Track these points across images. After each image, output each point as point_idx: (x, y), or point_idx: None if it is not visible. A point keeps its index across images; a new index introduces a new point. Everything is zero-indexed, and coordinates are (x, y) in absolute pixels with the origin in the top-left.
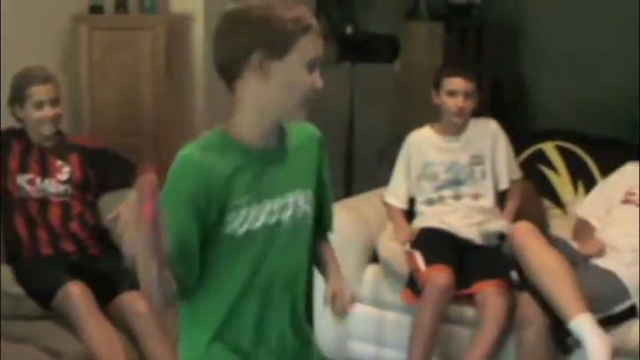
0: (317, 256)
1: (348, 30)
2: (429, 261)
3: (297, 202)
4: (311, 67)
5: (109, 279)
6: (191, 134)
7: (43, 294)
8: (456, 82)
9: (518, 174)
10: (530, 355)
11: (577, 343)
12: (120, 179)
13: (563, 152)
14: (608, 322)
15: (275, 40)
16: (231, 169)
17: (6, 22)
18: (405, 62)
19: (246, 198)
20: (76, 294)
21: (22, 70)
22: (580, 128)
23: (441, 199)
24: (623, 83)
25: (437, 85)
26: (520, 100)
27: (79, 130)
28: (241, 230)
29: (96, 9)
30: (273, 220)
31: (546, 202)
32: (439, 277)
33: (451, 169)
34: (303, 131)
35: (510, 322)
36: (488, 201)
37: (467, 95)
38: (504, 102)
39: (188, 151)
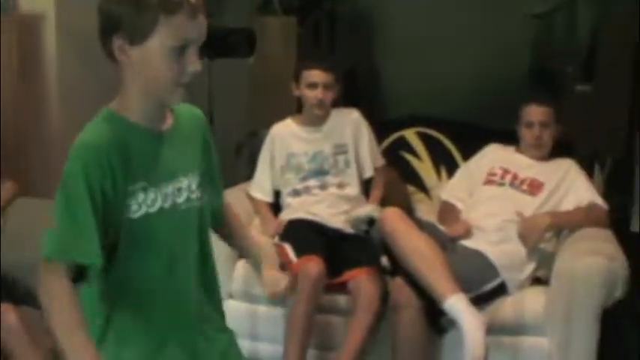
0: (227, 233)
1: None
2: (299, 252)
3: (190, 186)
4: (180, 51)
5: None
6: (47, 137)
7: None
8: (315, 75)
9: (381, 161)
10: (406, 338)
11: (451, 323)
12: None
13: (425, 138)
14: (479, 301)
15: (133, 25)
16: (129, 151)
17: None
18: (260, 56)
19: (144, 182)
20: None
21: None
22: (437, 115)
23: (307, 190)
24: (474, 70)
25: (297, 78)
26: (374, 89)
27: None
28: (139, 214)
29: None
30: (168, 204)
31: (410, 188)
32: (310, 267)
33: (315, 159)
34: (188, 113)
35: (384, 308)
36: (354, 189)
37: (326, 87)
38: (359, 92)
39: (88, 133)
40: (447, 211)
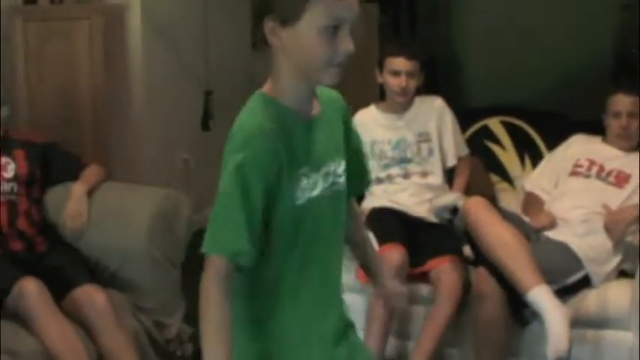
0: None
1: None
2: (381, 240)
3: (336, 170)
4: (331, 32)
5: (60, 274)
6: (131, 123)
7: None
8: (399, 62)
9: (465, 150)
10: (488, 329)
11: (534, 315)
12: (65, 173)
13: (509, 127)
14: (563, 293)
15: (283, 6)
16: (291, 136)
17: None
18: None
19: (307, 166)
20: (30, 291)
21: None
22: (521, 104)
23: (390, 178)
24: (559, 58)
25: (380, 65)
26: (456, 78)
27: (18, 123)
28: (303, 200)
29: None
30: (327, 185)
31: (494, 178)
32: (393, 255)
33: (398, 147)
34: (328, 96)
35: (466, 297)
36: (437, 178)
37: (409, 74)
38: (440, 81)
39: (254, 118)
40: (531, 202)
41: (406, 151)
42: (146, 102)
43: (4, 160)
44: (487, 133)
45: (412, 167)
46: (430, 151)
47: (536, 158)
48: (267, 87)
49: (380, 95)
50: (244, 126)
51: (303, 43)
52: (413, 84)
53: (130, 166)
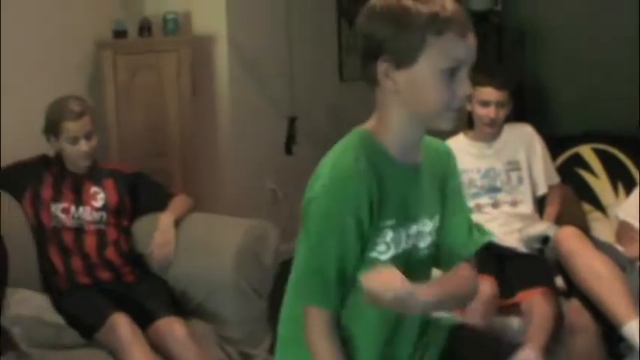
0: None
1: None
2: None
3: (432, 230)
4: (450, 73)
5: (145, 305)
6: (217, 154)
7: (86, 325)
8: (488, 93)
9: (556, 179)
10: None
11: (630, 350)
12: (153, 203)
13: (601, 154)
14: None
15: (399, 47)
16: (385, 183)
17: (30, 49)
18: None
19: (394, 219)
20: (122, 326)
21: (57, 102)
22: (613, 131)
23: (479, 208)
24: None
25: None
26: (544, 105)
27: (107, 154)
28: (387, 255)
29: (119, 33)
30: (409, 245)
31: (586, 206)
32: (483, 287)
33: (487, 176)
34: (434, 147)
35: (558, 331)
36: (527, 207)
37: (499, 105)
38: (528, 108)
39: (348, 158)
40: (625, 231)
41: (495, 179)
42: (233, 133)
43: (93, 189)
44: (578, 161)
45: (502, 196)
46: (520, 180)
47: (629, 186)
48: (370, 124)
49: (468, 122)
50: (337, 164)
51: (420, 86)
52: (502, 114)
53: (218, 196)
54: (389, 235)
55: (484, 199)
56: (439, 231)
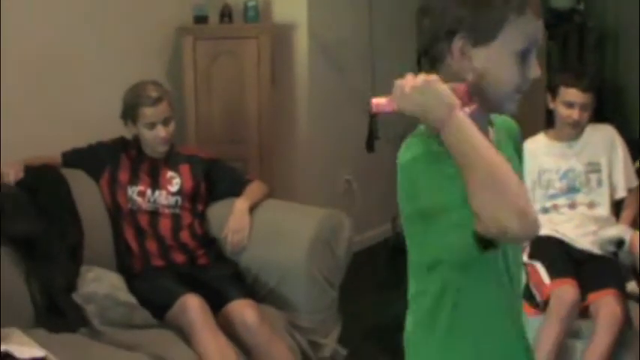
0: None
1: None
2: (552, 274)
3: None
4: (524, 54)
5: (218, 288)
6: (295, 142)
7: (157, 305)
8: (573, 94)
9: (635, 182)
10: None
11: None
12: (229, 189)
13: None
14: None
15: (479, 24)
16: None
17: (113, 35)
18: None
19: None
20: (192, 307)
21: (134, 88)
22: None
23: (555, 208)
24: None
25: (553, 91)
26: (625, 106)
27: (185, 139)
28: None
29: (200, 19)
30: None
31: None
32: (566, 291)
33: (566, 177)
34: (503, 124)
35: (626, 335)
36: (604, 210)
37: (583, 107)
38: (607, 109)
39: (419, 143)
40: None
41: (575, 181)
42: (311, 121)
43: (169, 174)
44: None
45: (580, 198)
46: (599, 182)
47: None
48: None
49: (547, 120)
50: (414, 147)
51: (496, 65)
52: (586, 116)
53: (293, 185)
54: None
55: (562, 200)
56: None
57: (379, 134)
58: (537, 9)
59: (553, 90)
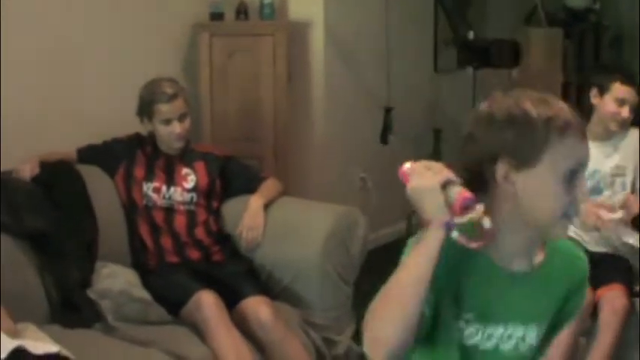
0: None
1: (470, 35)
2: (596, 284)
3: (524, 337)
4: (570, 176)
5: (233, 284)
6: (310, 140)
7: (172, 301)
8: (627, 91)
9: None
10: None
11: None
12: (243, 186)
13: None
14: None
15: (521, 148)
16: (462, 276)
17: (129, 31)
18: (524, 67)
19: (471, 313)
20: (207, 303)
21: (150, 84)
22: None
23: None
24: None
25: (601, 87)
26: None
27: (200, 136)
28: (464, 342)
29: (216, 16)
30: (488, 346)
31: None
32: (615, 296)
33: (592, 177)
34: (567, 252)
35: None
36: (622, 213)
37: (633, 106)
38: None
39: None
40: None
41: (600, 182)
42: (326, 119)
43: (185, 170)
44: None
45: (601, 200)
46: (623, 186)
47: None
48: None
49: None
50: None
51: (541, 189)
52: (632, 116)
53: (308, 183)
54: (468, 329)
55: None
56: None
57: (393, 129)
58: (582, 130)
59: (602, 86)
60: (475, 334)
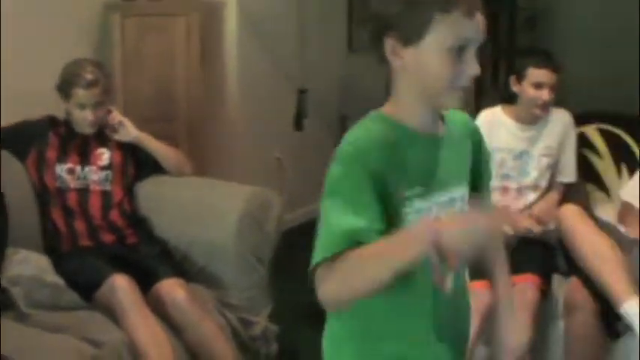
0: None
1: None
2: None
3: (463, 197)
4: (457, 52)
5: (147, 267)
6: (225, 120)
7: (85, 286)
8: (543, 75)
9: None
10: (579, 340)
11: (627, 328)
12: (156, 164)
13: (606, 135)
14: None
15: (406, 25)
16: (403, 154)
17: (38, 11)
18: None
19: (422, 188)
20: (121, 287)
21: (74, 64)
22: (618, 111)
23: (505, 191)
24: None
25: (518, 73)
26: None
27: None
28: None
29: None
30: (443, 214)
31: (589, 187)
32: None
33: (520, 159)
34: (459, 120)
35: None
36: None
37: (552, 88)
38: None
39: (364, 133)
40: (628, 212)
41: (528, 164)
42: (240, 99)
43: (99, 150)
44: (583, 141)
45: (527, 181)
46: (549, 166)
47: (633, 167)
48: (387, 108)
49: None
50: (347, 141)
51: (426, 63)
52: (552, 97)
53: (223, 162)
54: (417, 203)
55: (512, 183)
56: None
57: (307, 113)
58: (470, 7)
59: (519, 72)
60: (428, 208)
